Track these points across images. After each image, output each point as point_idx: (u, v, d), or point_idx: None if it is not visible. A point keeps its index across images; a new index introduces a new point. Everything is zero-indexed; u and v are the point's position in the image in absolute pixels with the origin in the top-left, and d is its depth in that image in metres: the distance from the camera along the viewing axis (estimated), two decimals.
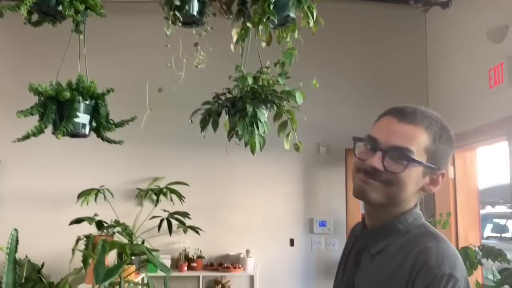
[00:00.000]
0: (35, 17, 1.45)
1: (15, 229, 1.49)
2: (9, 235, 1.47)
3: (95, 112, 1.57)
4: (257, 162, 3.80)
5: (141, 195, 3.93)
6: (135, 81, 3.73)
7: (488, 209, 8.01)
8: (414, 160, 1.01)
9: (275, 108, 1.44)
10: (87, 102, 1.53)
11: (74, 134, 1.54)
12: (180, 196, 3.74)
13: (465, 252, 2.47)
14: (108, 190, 3.82)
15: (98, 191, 3.73)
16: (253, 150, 1.40)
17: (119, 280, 2.79)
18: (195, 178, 3.91)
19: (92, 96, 1.54)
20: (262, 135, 1.41)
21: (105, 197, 3.78)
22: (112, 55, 3.92)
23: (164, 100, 3.39)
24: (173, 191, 3.76)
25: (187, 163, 4.01)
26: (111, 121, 1.62)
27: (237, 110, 1.37)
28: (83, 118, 1.50)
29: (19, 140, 1.48)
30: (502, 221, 7.10)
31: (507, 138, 2.91)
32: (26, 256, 3.71)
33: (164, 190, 3.80)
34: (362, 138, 1.08)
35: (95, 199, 3.73)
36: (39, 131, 1.46)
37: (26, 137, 1.47)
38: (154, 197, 3.85)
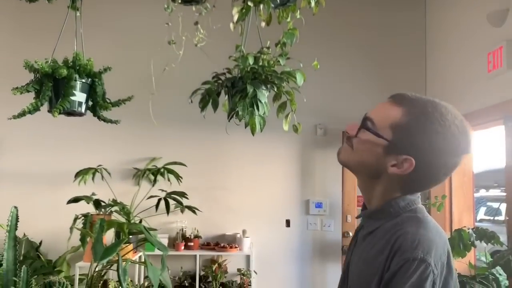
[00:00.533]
0: None
1: (15, 207, 1.50)
2: (8, 213, 1.47)
3: (91, 91, 1.56)
4: (255, 143, 3.81)
5: (139, 175, 3.94)
6: (132, 59, 3.72)
7: (482, 193, 8.10)
8: (367, 127, 1.06)
9: (275, 89, 1.44)
10: (83, 80, 1.51)
11: (70, 113, 1.53)
12: (178, 176, 3.75)
13: (459, 234, 2.51)
14: (105, 169, 3.82)
15: (96, 170, 3.73)
16: (253, 131, 1.41)
17: (117, 258, 2.82)
18: (192, 158, 3.92)
19: (88, 74, 1.52)
20: (262, 116, 1.41)
21: (102, 177, 3.79)
22: (108, 33, 3.88)
23: (161, 79, 3.39)
24: (170, 171, 3.77)
25: (184, 144, 4.01)
26: (107, 100, 1.61)
27: (237, 91, 1.37)
28: (79, 96, 1.49)
29: (14, 117, 1.47)
30: (495, 205, 7.19)
31: (504, 122, 2.92)
32: (24, 234, 3.74)
33: (162, 170, 3.81)
34: None
35: (93, 179, 3.74)
36: (34, 108, 1.45)
37: (22, 114, 1.46)
38: (152, 177, 3.86)
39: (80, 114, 1.57)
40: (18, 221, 1.45)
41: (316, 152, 4.09)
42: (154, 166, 3.90)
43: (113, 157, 3.95)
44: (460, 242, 2.45)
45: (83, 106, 1.54)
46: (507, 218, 2.51)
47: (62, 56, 1.56)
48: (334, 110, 3.98)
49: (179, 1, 1.37)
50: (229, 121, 1.45)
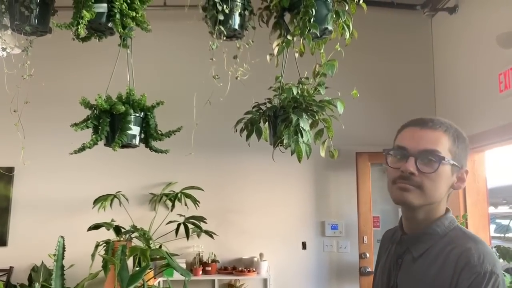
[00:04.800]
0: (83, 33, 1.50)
1: (62, 236, 1.54)
2: (55, 242, 1.52)
3: (144, 123, 1.63)
4: (269, 166, 3.85)
5: (155, 200, 3.98)
6: (165, 90, 3.81)
7: (491, 210, 8.08)
8: (444, 159, 1.11)
9: (316, 117, 1.50)
10: (137, 115, 1.58)
11: (125, 145, 1.59)
12: (195, 201, 3.78)
13: None
14: (123, 195, 3.86)
15: (115, 196, 3.77)
16: (299, 158, 1.46)
17: (141, 284, 2.84)
18: (207, 182, 3.96)
19: (142, 108, 1.59)
20: (306, 143, 1.47)
21: (120, 203, 3.82)
22: (152, 65, 3.99)
23: (178, 106, 3.45)
24: (188, 196, 3.80)
25: (199, 168, 4.06)
26: (159, 132, 1.67)
27: (281, 120, 1.43)
28: (134, 129, 1.56)
29: (75, 152, 1.53)
30: (505, 222, 7.16)
31: None
32: (42, 262, 3.76)
33: (179, 195, 3.84)
34: (391, 149, 1.17)
35: (111, 205, 3.78)
36: (94, 143, 1.51)
37: (82, 149, 1.52)
38: (169, 203, 3.89)
39: (135, 146, 1.63)
40: (65, 250, 1.49)
41: (330, 173, 4.13)
42: (172, 191, 3.93)
43: (129, 183, 4.00)
44: None
45: (137, 138, 1.61)
46: None
47: (111, 90, 1.63)
48: (347, 132, 4.02)
49: (224, 38, 1.44)
50: (274, 149, 1.50)
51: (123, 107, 1.50)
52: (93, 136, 1.52)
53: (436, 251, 1.11)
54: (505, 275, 2.84)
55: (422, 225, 1.16)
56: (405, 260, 1.18)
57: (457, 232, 1.14)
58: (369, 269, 3.89)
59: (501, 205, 7.91)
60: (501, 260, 2.53)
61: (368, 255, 3.93)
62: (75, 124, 1.51)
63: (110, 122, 1.52)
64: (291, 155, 1.45)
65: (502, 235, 6.96)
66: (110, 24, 1.45)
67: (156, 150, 1.71)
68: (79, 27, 1.30)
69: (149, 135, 1.64)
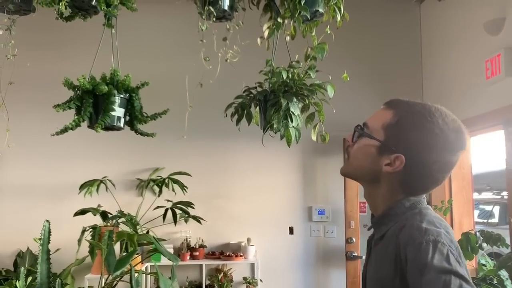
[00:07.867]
0: (66, 11, 1.45)
1: (47, 221, 1.52)
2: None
3: (129, 105, 1.59)
4: (257, 151, 3.85)
5: (142, 185, 3.94)
6: (153, 73, 3.73)
7: (475, 196, 8.23)
8: (359, 129, 1.11)
9: (306, 101, 1.48)
10: (122, 96, 1.54)
11: (109, 127, 1.56)
12: (183, 186, 3.77)
13: (467, 237, 2.57)
14: (110, 181, 3.82)
15: (101, 181, 3.73)
16: (289, 143, 1.45)
17: (128, 269, 2.83)
18: (195, 168, 3.93)
19: (126, 89, 1.55)
20: (296, 127, 1.46)
21: (107, 188, 3.79)
22: (138, 48, 3.90)
23: (164, 91, 3.42)
24: (175, 181, 3.78)
25: (187, 154, 4.03)
26: (144, 114, 1.64)
27: (271, 104, 1.41)
28: (118, 111, 1.52)
29: (57, 133, 1.49)
30: (488, 207, 7.31)
31: (504, 127, 3.01)
32: (28, 248, 3.72)
33: (167, 180, 3.82)
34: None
35: (97, 190, 3.74)
36: (77, 124, 1.47)
37: (64, 130, 1.48)
38: (156, 188, 3.86)
39: (119, 128, 1.60)
40: (51, 235, 1.46)
41: (317, 159, 4.14)
42: (159, 176, 3.90)
43: (115, 168, 3.95)
44: (468, 245, 2.52)
45: (122, 121, 1.57)
46: None
47: (96, 71, 1.59)
48: (335, 118, 4.03)
49: (213, 20, 1.41)
50: (264, 133, 1.49)
51: (106, 87, 1.46)
52: (76, 117, 1.48)
53: (392, 232, 1.05)
54: (490, 259, 2.89)
55: (380, 207, 1.12)
56: (373, 244, 1.15)
57: (414, 211, 1.06)
58: (355, 254, 3.94)
59: (485, 191, 8.06)
60: (484, 245, 2.58)
61: (354, 240, 3.97)
62: (57, 105, 1.47)
63: (93, 103, 1.49)
64: (281, 139, 1.44)
65: (485, 220, 7.11)
66: (93, 2, 1.40)
67: (142, 133, 1.68)
68: (60, 4, 1.25)
69: (134, 117, 1.60)
